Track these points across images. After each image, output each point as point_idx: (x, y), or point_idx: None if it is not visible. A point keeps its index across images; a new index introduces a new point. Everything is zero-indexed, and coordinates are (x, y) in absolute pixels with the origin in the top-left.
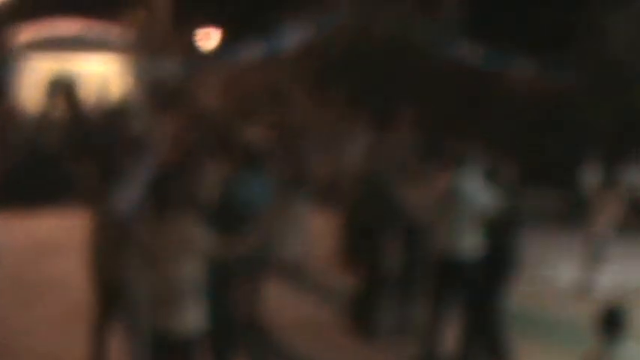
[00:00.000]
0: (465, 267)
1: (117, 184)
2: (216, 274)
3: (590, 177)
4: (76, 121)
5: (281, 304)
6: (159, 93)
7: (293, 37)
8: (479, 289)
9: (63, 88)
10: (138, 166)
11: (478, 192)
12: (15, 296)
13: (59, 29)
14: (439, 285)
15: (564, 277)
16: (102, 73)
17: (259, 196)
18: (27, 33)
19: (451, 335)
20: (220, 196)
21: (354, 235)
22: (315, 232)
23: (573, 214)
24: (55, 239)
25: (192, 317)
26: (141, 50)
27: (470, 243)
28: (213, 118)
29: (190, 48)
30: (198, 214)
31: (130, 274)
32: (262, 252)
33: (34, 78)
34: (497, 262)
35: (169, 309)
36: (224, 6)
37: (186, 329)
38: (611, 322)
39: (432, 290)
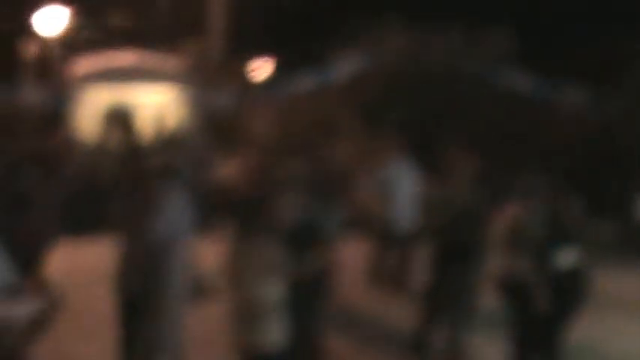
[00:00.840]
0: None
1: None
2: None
3: None
4: (131, 151)
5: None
6: (213, 123)
7: (345, 68)
8: (545, 317)
9: (119, 119)
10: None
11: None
12: (73, 327)
13: (116, 61)
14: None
15: None
16: (158, 104)
17: (328, 224)
18: (84, 65)
19: None
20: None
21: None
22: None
23: (628, 243)
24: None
25: (274, 334)
26: (196, 81)
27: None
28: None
29: (244, 78)
30: (278, 238)
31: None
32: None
33: (91, 109)
34: (565, 293)
35: (253, 326)
36: (277, 37)
37: (268, 345)
38: None
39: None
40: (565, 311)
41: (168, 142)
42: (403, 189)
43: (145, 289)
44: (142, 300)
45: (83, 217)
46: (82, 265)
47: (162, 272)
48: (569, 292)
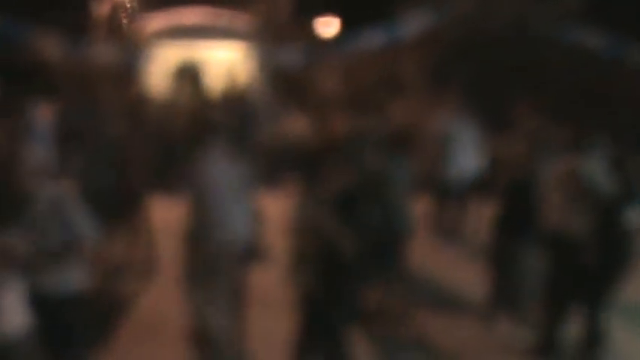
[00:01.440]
0: (581, 249)
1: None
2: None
3: None
4: (200, 106)
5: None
6: (281, 80)
7: (412, 25)
8: (593, 274)
9: (189, 75)
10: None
11: (602, 177)
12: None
13: (187, 18)
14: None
15: None
16: (227, 61)
17: (397, 179)
18: (156, 23)
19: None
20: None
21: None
22: None
23: None
24: None
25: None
26: (264, 38)
27: (587, 227)
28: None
29: (311, 36)
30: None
31: None
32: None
33: (162, 66)
34: (615, 250)
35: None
36: None
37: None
38: None
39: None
40: (617, 270)
41: (236, 98)
42: (464, 146)
43: (200, 247)
44: (205, 257)
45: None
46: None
47: (212, 231)
48: (626, 251)
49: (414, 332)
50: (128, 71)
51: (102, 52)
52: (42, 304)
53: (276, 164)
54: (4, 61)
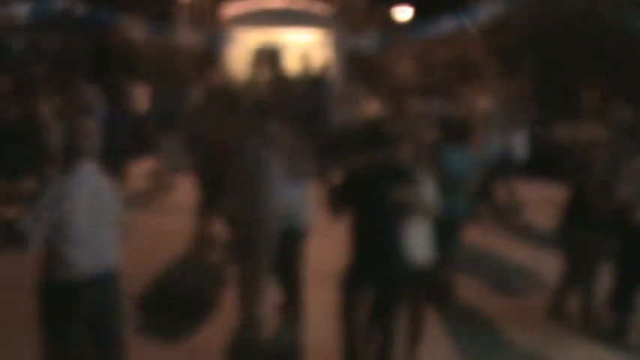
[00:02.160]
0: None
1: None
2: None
3: None
4: (279, 88)
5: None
6: (357, 64)
7: (485, 11)
8: None
9: (268, 57)
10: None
11: None
12: None
13: (266, 4)
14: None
15: None
16: (304, 45)
17: (467, 169)
18: (236, 7)
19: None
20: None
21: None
22: None
23: None
24: None
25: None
26: (341, 24)
27: None
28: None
29: (386, 23)
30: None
31: None
32: None
33: (242, 49)
34: None
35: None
36: None
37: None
38: None
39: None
40: None
41: (312, 82)
42: (511, 129)
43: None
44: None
45: None
46: None
47: (254, 211)
48: None
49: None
50: (209, 54)
51: (185, 35)
52: None
53: (350, 146)
54: (91, 45)
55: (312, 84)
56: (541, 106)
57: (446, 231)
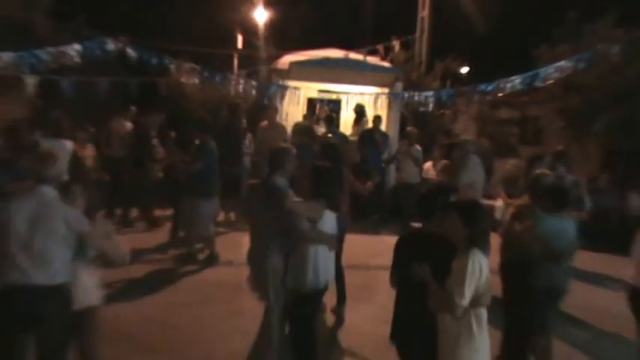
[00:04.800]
0: None
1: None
2: None
3: None
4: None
5: None
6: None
7: (550, 69)
8: None
9: (324, 108)
10: None
11: None
12: None
13: (325, 54)
14: None
15: None
16: (360, 99)
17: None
18: (294, 57)
19: None
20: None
21: None
22: None
23: None
24: None
25: None
26: (399, 78)
27: None
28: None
29: (445, 82)
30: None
31: None
32: None
33: (298, 98)
34: None
35: None
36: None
37: None
38: None
39: None
40: None
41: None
42: None
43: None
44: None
45: None
46: None
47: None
48: None
49: None
50: (264, 102)
51: (240, 83)
52: None
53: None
54: (146, 85)
55: (367, 138)
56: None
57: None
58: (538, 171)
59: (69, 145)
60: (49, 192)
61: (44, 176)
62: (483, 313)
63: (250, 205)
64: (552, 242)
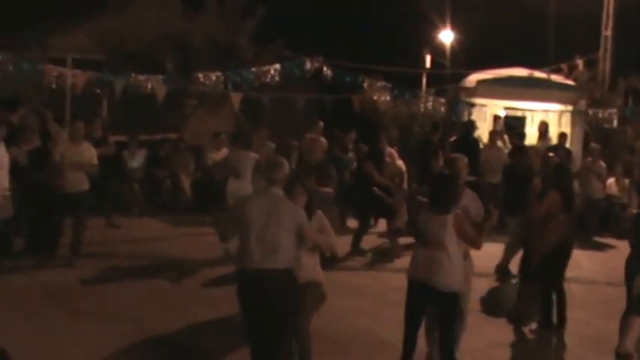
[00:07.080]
0: None
1: None
2: None
3: None
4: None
5: None
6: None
7: None
8: None
9: (505, 125)
10: None
11: None
12: None
13: (509, 73)
14: None
15: None
16: (544, 116)
17: None
18: (479, 77)
19: None
20: None
21: None
22: None
23: None
24: None
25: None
26: (584, 96)
27: None
28: None
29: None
30: None
31: None
32: None
33: (483, 114)
34: None
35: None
36: None
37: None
38: None
39: None
40: None
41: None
42: None
43: None
44: None
45: None
46: None
47: None
48: None
49: None
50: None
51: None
52: None
53: None
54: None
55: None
56: None
57: None
58: None
59: (253, 155)
60: (278, 192)
61: (273, 179)
62: None
63: None
64: None
